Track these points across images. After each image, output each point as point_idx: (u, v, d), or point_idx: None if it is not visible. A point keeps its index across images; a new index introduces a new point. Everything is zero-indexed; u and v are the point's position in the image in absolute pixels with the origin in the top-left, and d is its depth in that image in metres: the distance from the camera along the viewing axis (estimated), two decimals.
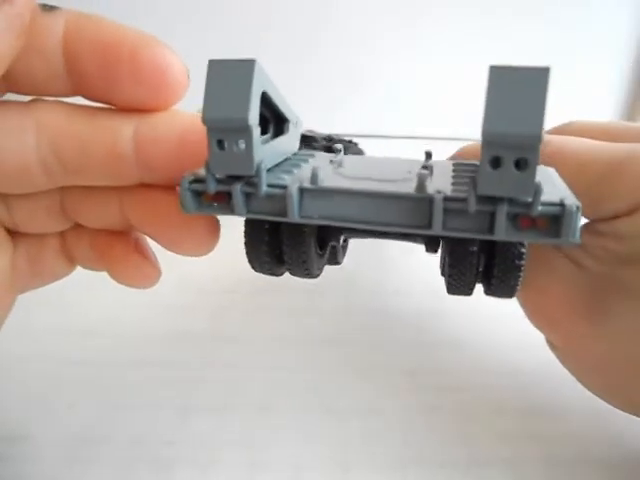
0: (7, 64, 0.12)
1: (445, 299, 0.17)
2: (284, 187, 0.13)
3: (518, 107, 0.10)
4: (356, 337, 0.26)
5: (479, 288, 0.16)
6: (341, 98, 0.61)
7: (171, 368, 0.24)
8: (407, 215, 0.13)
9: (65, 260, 0.18)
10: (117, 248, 0.17)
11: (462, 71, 0.56)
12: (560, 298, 0.17)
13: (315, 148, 0.34)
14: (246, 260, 0.16)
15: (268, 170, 0.13)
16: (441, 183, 0.13)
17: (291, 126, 0.16)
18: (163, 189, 0.15)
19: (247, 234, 0.16)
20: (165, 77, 0.13)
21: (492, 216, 0.12)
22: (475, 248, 0.14)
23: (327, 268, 0.18)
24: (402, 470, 0.19)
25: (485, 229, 0.12)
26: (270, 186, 0.13)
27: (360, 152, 0.36)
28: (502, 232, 0.12)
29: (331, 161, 0.16)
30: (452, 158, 0.22)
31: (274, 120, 0.15)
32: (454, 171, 0.15)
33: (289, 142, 0.16)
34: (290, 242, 0.15)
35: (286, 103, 0.15)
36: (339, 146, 0.16)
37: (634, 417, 0.18)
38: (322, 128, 0.39)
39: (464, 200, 0.12)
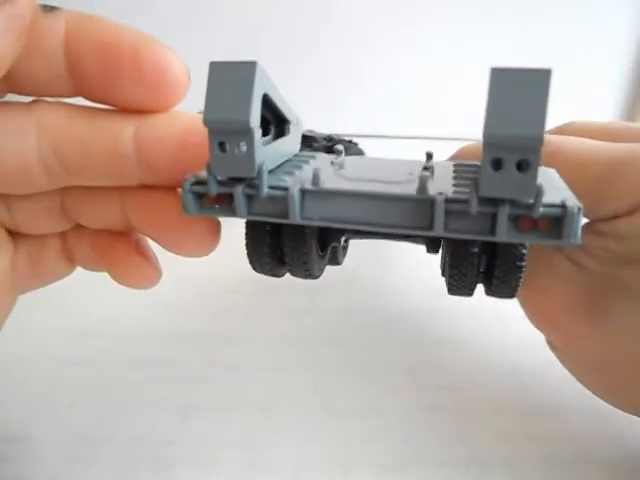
0: (8, 65, 0.12)
1: (445, 298, 0.17)
2: (285, 189, 0.13)
3: (519, 109, 0.10)
4: (356, 337, 0.26)
5: (479, 288, 0.16)
6: (341, 98, 0.61)
7: (171, 368, 0.24)
8: (409, 217, 0.13)
9: (66, 261, 0.18)
10: (118, 249, 0.17)
11: (462, 71, 0.56)
12: (560, 298, 0.17)
13: (315, 148, 0.35)
14: (246, 260, 0.16)
15: (269, 172, 0.13)
16: (442, 184, 0.13)
17: (292, 127, 0.16)
18: (164, 190, 0.15)
19: (248, 235, 0.16)
20: (166, 77, 0.13)
21: (493, 217, 0.12)
22: (476, 249, 0.14)
23: (327, 268, 0.18)
24: (402, 469, 0.19)
25: (486, 230, 0.12)
26: (271, 188, 0.13)
27: (360, 152, 0.36)
28: (504, 234, 0.12)
29: (332, 162, 0.16)
30: (452, 158, 0.22)
31: (275, 121, 0.15)
32: (455, 172, 0.15)
33: (290, 143, 0.16)
34: (291, 243, 0.15)
35: (287, 104, 0.15)
36: (340, 147, 0.16)
37: (634, 417, 0.18)
38: (322, 128, 0.39)
39: (466, 202, 0.12)
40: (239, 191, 0.13)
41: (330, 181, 0.14)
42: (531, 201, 0.11)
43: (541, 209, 0.11)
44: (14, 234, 0.17)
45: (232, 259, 0.21)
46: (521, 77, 0.10)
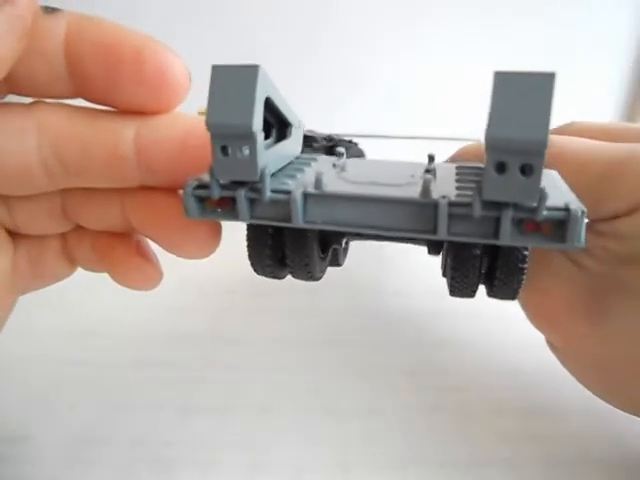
0: (9, 66, 0.12)
1: (445, 299, 0.17)
2: (288, 192, 0.13)
3: (523, 113, 0.10)
4: (356, 338, 0.26)
5: (481, 289, 0.16)
6: (341, 98, 0.61)
7: (172, 369, 0.24)
8: (412, 220, 0.13)
9: (66, 261, 0.18)
10: (118, 250, 0.17)
11: (462, 71, 0.56)
12: (560, 298, 0.17)
13: (315, 148, 0.34)
14: (247, 261, 0.16)
15: (271, 175, 0.13)
16: (445, 187, 0.13)
17: (294, 130, 0.16)
18: (165, 192, 0.15)
19: (250, 238, 0.16)
20: (166, 78, 0.13)
21: (497, 221, 0.12)
22: (478, 251, 0.14)
23: (328, 269, 0.18)
24: (402, 470, 0.19)
25: (490, 234, 0.12)
26: (274, 192, 0.13)
27: (361, 152, 0.36)
28: (507, 237, 0.12)
29: (334, 165, 0.16)
30: (452, 158, 0.22)
31: (277, 124, 0.15)
32: (457, 174, 0.15)
33: (292, 146, 0.16)
34: (293, 246, 0.15)
35: (289, 107, 0.15)
36: (342, 150, 0.16)
37: (634, 417, 0.18)
38: (322, 128, 0.39)
39: (469, 205, 0.12)
40: (242, 195, 0.13)
41: (332, 184, 0.14)
42: (534, 204, 0.11)
43: (544, 212, 0.11)
44: (14, 235, 0.17)
45: (232, 260, 0.21)
46: (525, 80, 0.10)
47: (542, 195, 0.11)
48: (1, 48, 0.12)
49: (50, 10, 0.13)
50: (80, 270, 0.19)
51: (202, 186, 0.13)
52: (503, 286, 0.15)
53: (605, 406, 0.18)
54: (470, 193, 0.13)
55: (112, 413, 0.21)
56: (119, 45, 0.13)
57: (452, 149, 0.22)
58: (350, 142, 0.38)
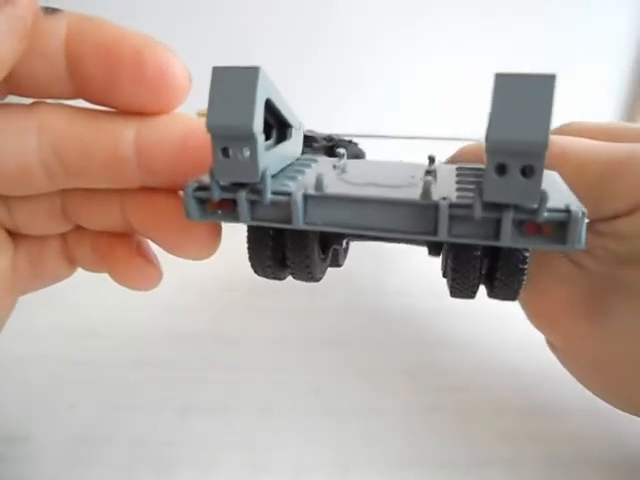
0: (9, 67, 0.12)
1: (445, 299, 0.17)
2: (289, 194, 0.13)
3: (524, 114, 0.10)
4: (356, 337, 0.26)
5: (481, 289, 0.16)
6: (341, 98, 0.61)
7: (172, 369, 0.24)
8: (412, 222, 0.13)
9: (66, 262, 0.18)
10: (119, 250, 0.17)
11: (462, 71, 0.56)
12: (560, 298, 0.17)
13: (315, 148, 0.34)
14: (246, 261, 0.16)
15: (272, 176, 0.13)
16: (445, 189, 0.13)
17: (294, 131, 0.16)
18: (165, 192, 0.15)
19: (250, 239, 0.16)
20: (167, 79, 0.13)
21: (497, 222, 0.12)
22: (479, 252, 0.14)
23: (328, 269, 0.18)
24: (402, 470, 0.19)
25: (490, 235, 0.12)
26: (275, 193, 0.13)
27: (361, 152, 0.36)
28: (508, 238, 0.12)
29: (334, 166, 0.16)
30: (452, 158, 0.22)
31: (277, 125, 0.15)
32: (458, 176, 0.15)
33: (292, 147, 0.16)
34: (294, 247, 0.15)
35: (289, 108, 0.15)
36: (342, 151, 0.16)
37: (634, 417, 0.18)
38: (322, 128, 0.39)
39: (470, 207, 0.12)
40: (242, 197, 0.13)
41: (333, 186, 0.14)
42: (535, 206, 0.11)
43: (545, 214, 0.11)
44: (14, 235, 0.17)
45: (232, 259, 0.21)
46: (525, 82, 0.10)
47: (543, 197, 0.11)
48: (2, 49, 0.12)
49: (50, 11, 0.13)
50: (80, 270, 0.19)
51: (202, 188, 0.13)
52: (504, 287, 0.15)
53: (605, 406, 0.18)
54: (471, 194, 0.13)
55: (112, 413, 0.21)
56: (119, 46, 0.13)
57: (452, 149, 0.22)
58: (350, 142, 0.38)
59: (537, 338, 0.19)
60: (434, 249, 0.18)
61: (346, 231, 0.13)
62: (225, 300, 0.29)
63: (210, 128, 0.12)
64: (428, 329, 0.27)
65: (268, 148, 0.14)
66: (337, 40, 0.59)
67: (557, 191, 0.13)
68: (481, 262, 0.15)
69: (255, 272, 0.16)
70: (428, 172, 0.15)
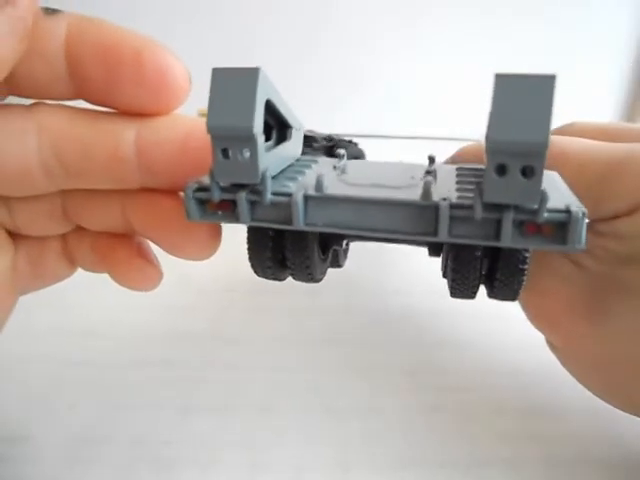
0: (9, 67, 0.12)
1: (445, 299, 0.17)
2: (289, 195, 0.13)
3: (524, 115, 0.10)
4: (356, 337, 0.26)
5: (481, 289, 0.16)
6: (341, 98, 0.61)
7: (172, 368, 0.24)
8: (413, 222, 0.13)
9: (66, 262, 0.18)
10: (119, 251, 0.17)
11: (462, 71, 0.56)
12: (560, 298, 0.17)
13: (315, 148, 0.35)
14: (246, 260, 0.16)
15: (272, 177, 0.13)
16: (446, 189, 0.13)
17: (294, 132, 0.16)
18: (165, 193, 0.15)
19: (250, 240, 0.16)
20: (167, 80, 0.13)
21: (498, 223, 0.12)
22: (479, 253, 0.14)
23: (328, 269, 0.18)
24: (402, 470, 0.19)
25: (491, 236, 0.12)
26: (275, 194, 0.13)
27: (360, 152, 0.36)
28: (508, 239, 0.12)
29: (334, 167, 0.16)
30: (452, 158, 0.22)
31: (277, 126, 0.15)
32: (458, 176, 0.15)
33: (292, 148, 0.16)
34: (294, 248, 0.15)
35: (289, 109, 0.15)
36: (342, 152, 0.16)
37: (634, 417, 0.18)
38: (322, 128, 0.39)
39: (470, 207, 0.12)
40: (242, 198, 0.13)
41: (333, 187, 0.14)
42: (535, 206, 0.11)
43: (545, 214, 0.11)
44: (15, 235, 0.17)
45: (232, 259, 0.21)
46: (525, 83, 0.10)
47: (543, 197, 0.11)
48: (2, 49, 0.12)
49: (51, 11, 0.13)
50: (80, 270, 0.19)
51: (203, 189, 0.13)
52: (504, 287, 0.15)
53: (605, 406, 0.18)
54: (471, 195, 0.13)
55: (112, 413, 0.21)
56: (119, 47, 0.13)
57: (452, 149, 0.22)
58: (350, 142, 0.38)
59: (537, 338, 0.19)
60: (434, 249, 0.18)
61: (346, 232, 0.13)
62: (225, 300, 0.29)
63: (210, 129, 0.12)
64: (428, 329, 0.27)
65: (268, 149, 0.14)
66: (337, 40, 0.59)
67: (557, 191, 0.13)
68: (481, 262, 0.15)
69: (255, 273, 0.16)
70: (428, 172, 0.15)
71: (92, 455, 0.19)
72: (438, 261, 0.19)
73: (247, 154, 0.12)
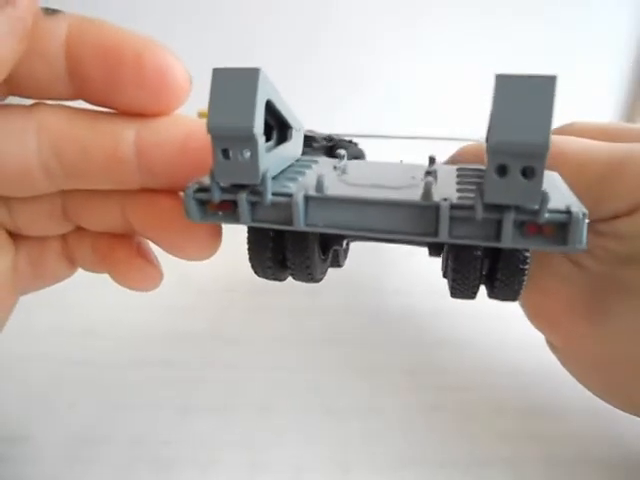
0: (9, 68, 0.12)
1: (445, 299, 0.17)
2: (289, 195, 0.13)
3: (525, 115, 0.10)
4: (356, 337, 0.26)
5: (481, 289, 0.16)
6: (341, 98, 0.61)
7: (171, 368, 0.24)
8: (413, 223, 0.13)
9: (66, 262, 0.18)
10: (119, 251, 0.17)
11: (462, 71, 0.56)
12: (560, 298, 0.17)
13: (315, 148, 0.35)
14: (246, 260, 0.16)
15: (273, 178, 0.13)
16: (446, 190, 0.13)
17: (294, 132, 0.16)
18: (165, 194, 0.15)
19: (251, 240, 0.16)
20: (167, 80, 0.13)
21: (498, 223, 0.12)
22: (479, 253, 0.14)
23: (328, 269, 0.18)
24: (402, 470, 0.19)
25: (491, 236, 0.12)
26: (275, 194, 0.13)
27: (361, 152, 0.36)
28: (509, 239, 0.12)
29: (335, 167, 0.16)
30: (452, 158, 0.22)
31: (277, 127, 0.15)
32: (458, 177, 0.15)
33: (293, 148, 0.16)
34: (294, 248, 0.15)
35: (289, 109, 0.15)
36: (342, 152, 0.16)
37: (634, 417, 0.18)
38: (322, 128, 0.39)
39: (470, 208, 0.12)
40: (243, 198, 0.13)
41: (333, 187, 0.14)
42: (536, 207, 0.11)
43: (546, 215, 0.11)
44: (15, 236, 0.17)
45: (232, 259, 0.21)
46: (526, 83, 0.10)
47: (544, 197, 0.11)
48: (2, 49, 0.12)
49: (51, 12, 0.13)
50: (80, 270, 0.19)
51: (203, 189, 0.13)
52: (504, 287, 0.15)
53: (605, 406, 0.18)
54: (471, 195, 0.13)
55: (112, 413, 0.21)
56: (119, 47, 0.13)
57: (452, 149, 0.22)
58: (350, 142, 0.38)
59: (537, 338, 0.19)
60: (435, 249, 0.18)
61: (347, 232, 0.13)
62: (225, 300, 0.29)
63: (211, 130, 0.12)
64: (428, 328, 0.27)
65: (269, 149, 0.14)
66: (337, 40, 0.59)
67: (558, 192, 0.13)
68: (482, 263, 0.15)
69: (255, 273, 0.16)
70: (428, 173, 0.15)
71: (92, 455, 0.19)
72: (438, 261, 0.19)
73: (247, 154, 0.12)
